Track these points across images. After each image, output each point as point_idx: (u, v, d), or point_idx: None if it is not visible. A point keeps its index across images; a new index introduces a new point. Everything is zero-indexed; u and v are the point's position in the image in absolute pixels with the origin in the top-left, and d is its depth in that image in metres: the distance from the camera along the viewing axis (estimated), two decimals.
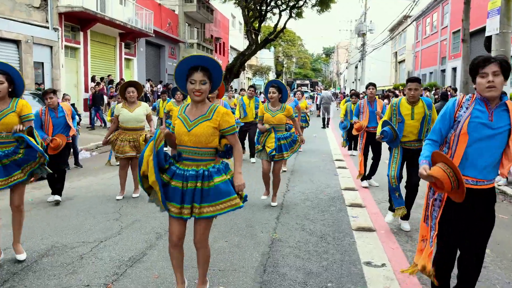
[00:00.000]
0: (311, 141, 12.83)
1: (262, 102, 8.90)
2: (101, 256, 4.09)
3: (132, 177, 6.51)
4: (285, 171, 8.39)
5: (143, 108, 6.19)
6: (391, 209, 5.36)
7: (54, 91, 6.24)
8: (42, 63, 16.22)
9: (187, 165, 2.94)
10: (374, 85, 7.66)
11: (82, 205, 5.98)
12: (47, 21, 16.26)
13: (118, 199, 6.25)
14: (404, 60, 43.93)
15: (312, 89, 33.69)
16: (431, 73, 35.73)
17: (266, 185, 6.16)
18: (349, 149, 11.14)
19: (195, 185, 2.88)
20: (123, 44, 21.83)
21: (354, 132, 8.76)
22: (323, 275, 3.69)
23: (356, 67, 59.16)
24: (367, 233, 4.90)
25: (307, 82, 45.96)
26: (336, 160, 10.09)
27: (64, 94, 9.79)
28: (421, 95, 5.18)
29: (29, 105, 3.98)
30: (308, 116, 11.23)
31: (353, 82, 62.59)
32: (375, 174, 7.55)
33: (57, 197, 6.05)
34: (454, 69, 30.11)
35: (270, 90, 5.82)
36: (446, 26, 31.92)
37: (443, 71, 32.97)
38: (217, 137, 2.95)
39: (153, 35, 23.26)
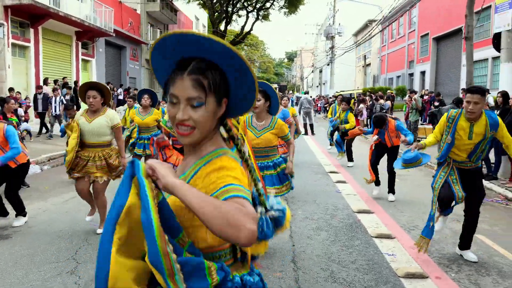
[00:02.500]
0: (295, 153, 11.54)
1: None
2: None
3: (96, 205, 4.92)
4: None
5: (107, 118, 4.58)
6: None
7: None
8: None
9: None
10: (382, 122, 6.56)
11: (22, 248, 4.39)
12: None
13: (88, 221, 4.95)
14: (369, 64, 43.81)
15: (281, 93, 32.65)
16: (398, 76, 35.58)
17: None
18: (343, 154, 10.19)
19: None
20: (80, 43, 19.85)
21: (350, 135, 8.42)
22: None
23: (321, 71, 58.89)
24: (420, 281, 3.63)
25: (275, 86, 44.86)
26: (331, 172, 8.85)
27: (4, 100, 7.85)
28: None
29: None
30: (298, 127, 9.71)
31: (318, 86, 62.32)
32: (394, 193, 6.68)
33: (18, 222, 5.13)
34: (423, 73, 29.96)
35: None
36: (414, 30, 31.78)
37: (411, 74, 32.79)
38: (202, 229, 1.27)
39: (114, 35, 21.39)
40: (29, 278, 3.63)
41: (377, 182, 6.77)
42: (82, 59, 20.41)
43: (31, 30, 16.32)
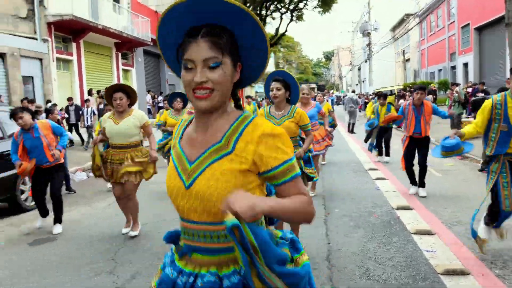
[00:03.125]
0: (333, 151, 11.38)
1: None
2: None
3: (128, 208, 4.99)
4: (312, 196, 6.62)
5: (135, 118, 4.63)
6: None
7: (23, 109, 5.09)
8: (32, 77, 14.91)
9: (198, 263, 1.33)
10: (423, 89, 6.47)
11: (66, 249, 4.58)
12: (35, 32, 15.00)
13: (123, 233, 5.00)
14: (409, 59, 42.64)
15: (319, 92, 32.33)
16: (440, 70, 34.43)
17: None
18: (379, 154, 9.79)
19: None
20: (119, 54, 20.54)
21: (380, 123, 8.00)
22: None
23: (359, 69, 57.92)
24: (461, 278, 3.49)
25: (314, 85, 44.43)
26: (370, 169, 8.68)
27: (49, 106, 8.28)
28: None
29: None
30: (336, 121, 9.49)
31: (357, 85, 61.30)
32: (424, 186, 6.43)
33: (57, 229, 5.23)
34: (466, 65, 28.86)
35: (273, 86, 3.89)
36: (453, 21, 30.68)
37: (453, 67, 31.66)
38: (256, 191, 1.31)
39: (151, 44, 21.94)
40: (67, 278, 3.78)
41: (413, 181, 6.52)
42: (123, 69, 21.09)
43: (73, 44, 17.05)
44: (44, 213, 5.44)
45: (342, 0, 73.33)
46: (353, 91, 25.18)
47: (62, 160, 5.34)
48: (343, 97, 34.70)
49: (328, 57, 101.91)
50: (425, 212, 5.46)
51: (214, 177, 1.26)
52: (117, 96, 4.50)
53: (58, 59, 16.22)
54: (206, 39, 1.24)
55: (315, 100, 9.17)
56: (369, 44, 36.25)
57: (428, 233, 4.62)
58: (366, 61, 39.12)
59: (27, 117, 4.94)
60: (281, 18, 31.81)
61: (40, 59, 15.14)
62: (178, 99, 7.17)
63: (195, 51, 1.24)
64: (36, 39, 14.96)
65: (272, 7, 31.64)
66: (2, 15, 14.17)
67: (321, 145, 6.89)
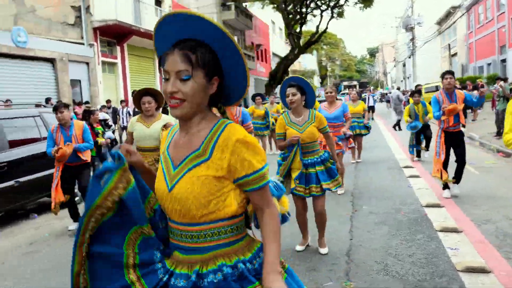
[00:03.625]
0: (370, 148, 11.29)
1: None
2: None
3: None
4: (340, 194, 6.47)
5: (164, 122, 4.81)
6: None
7: (66, 105, 5.46)
8: (79, 80, 15.74)
9: (176, 261, 1.44)
10: (452, 73, 6.14)
11: None
12: (82, 38, 15.81)
13: None
14: (456, 54, 41.07)
15: (361, 89, 31.73)
16: (489, 64, 32.96)
17: (302, 229, 4.25)
18: (418, 156, 9.49)
19: None
20: None
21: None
22: None
23: (404, 65, 56.44)
24: (480, 276, 3.45)
25: (355, 83, 43.78)
26: (404, 167, 8.55)
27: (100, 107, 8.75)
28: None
29: None
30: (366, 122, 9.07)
31: (402, 81, 59.72)
32: (459, 182, 6.05)
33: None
34: None
35: (288, 91, 3.86)
36: (503, 12, 29.29)
37: (503, 60, 30.22)
38: (230, 195, 1.40)
39: None
40: None
41: (446, 184, 6.08)
42: None
43: (118, 48, 17.81)
44: (75, 215, 5.57)
45: None
46: (398, 88, 24.63)
47: (89, 160, 5.64)
48: (387, 94, 34.00)
49: (372, 53, 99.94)
50: (455, 210, 5.36)
51: (191, 182, 1.36)
52: (145, 100, 4.67)
53: (103, 63, 17.00)
54: (180, 52, 1.35)
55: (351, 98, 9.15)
56: (412, 39, 35.27)
57: (455, 230, 4.56)
58: (409, 57, 38.08)
59: (67, 113, 5.32)
60: (321, 16, 31.56)
61: (87, 63, 15.94)
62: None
63: (170, 62, 1.36)
64: (83, 44, 15.77)
65: (312, 5, 31.46)
66: (52, 23, 15.07)
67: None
